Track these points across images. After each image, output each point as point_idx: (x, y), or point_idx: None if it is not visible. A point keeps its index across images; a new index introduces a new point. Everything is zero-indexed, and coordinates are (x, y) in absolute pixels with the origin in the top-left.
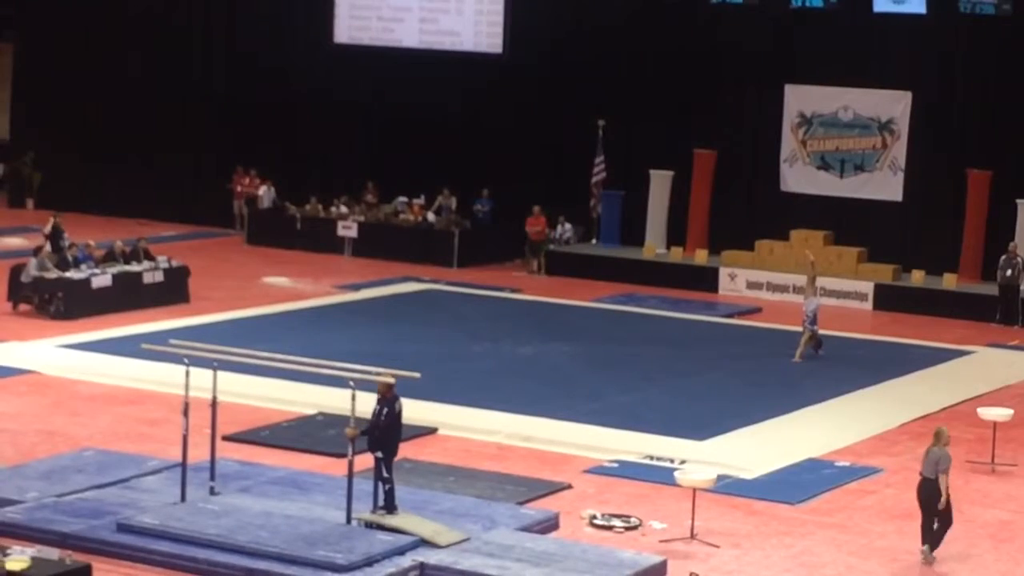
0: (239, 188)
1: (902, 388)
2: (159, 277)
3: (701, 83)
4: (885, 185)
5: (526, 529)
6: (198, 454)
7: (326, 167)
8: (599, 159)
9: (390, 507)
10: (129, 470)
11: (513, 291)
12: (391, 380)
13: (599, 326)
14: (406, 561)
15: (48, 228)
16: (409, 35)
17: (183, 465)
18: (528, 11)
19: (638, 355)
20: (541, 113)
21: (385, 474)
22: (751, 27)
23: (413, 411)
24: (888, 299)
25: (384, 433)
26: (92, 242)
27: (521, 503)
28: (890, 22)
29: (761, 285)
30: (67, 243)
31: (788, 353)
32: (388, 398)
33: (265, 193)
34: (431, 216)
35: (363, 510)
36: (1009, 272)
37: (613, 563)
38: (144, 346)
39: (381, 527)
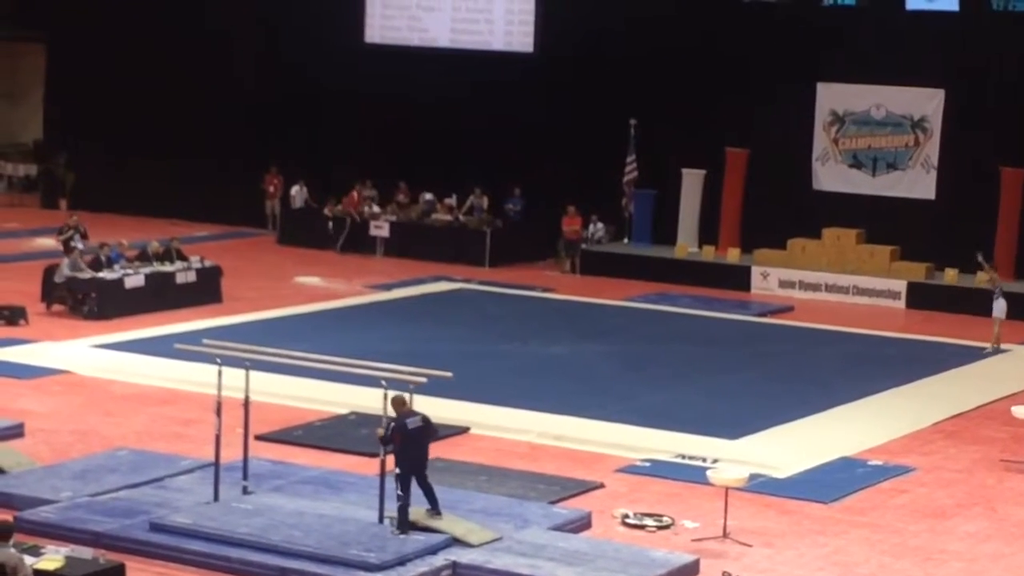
0: (272, 188)
1: (935, 386)
2: (192, 277)
3: (733, 82)
4: (918, 183)
5: (558, 528)
6: (231, 454)
7: (358, 167)
8: (631, 158)
9: (402, 525)
10: (162, 469)
11: (545, 290)
12: (402, 397)
13: (631, 325)
14: (438, 560)
15: (69, 234)
16: (440, 34)
17: (216, 464)
18: (559, 10)
19: (670, 354)
20: (572, 112)
21: (399, 491)
22: (783, 25)
23: (445, 410)
24: (921, 297)
25: (399, 448)
26: (125, 241)
27: (553, 502)
28: (923, 20)
29: (793, 284)
30: (79, 244)
31: (820, 352)
32: (400, 414)
33: (297, 193)
34: (462, 216)
35: (396, 509)
36: None
37: (645, 562)
38: (177, 346)
39: (414, 526)
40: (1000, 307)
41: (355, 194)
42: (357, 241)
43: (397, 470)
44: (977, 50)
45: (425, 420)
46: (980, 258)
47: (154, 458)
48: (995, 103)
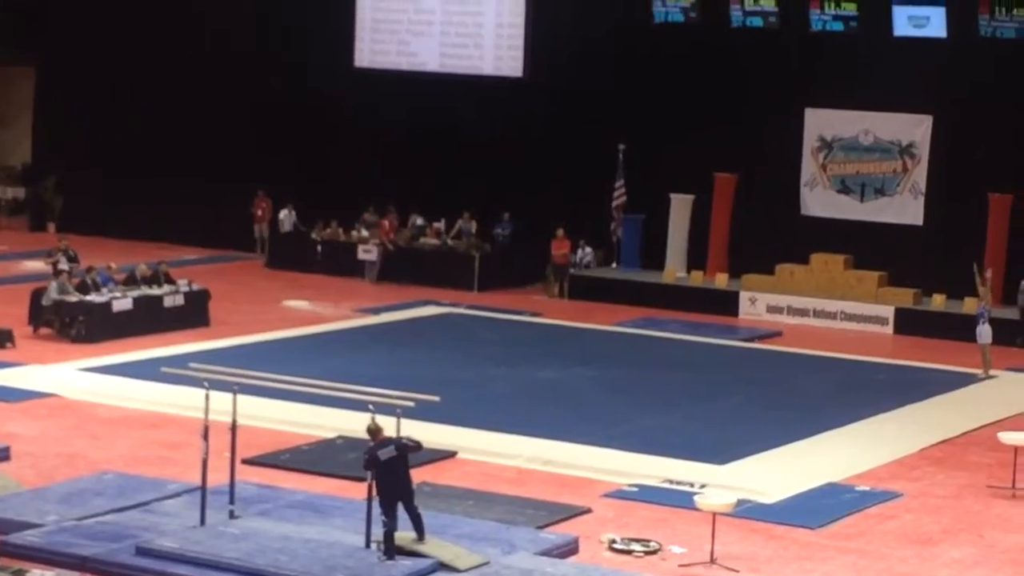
0: (260, 212)
1: (922, 412)
2: (180, 301)
3: (722, 107)
4: (906, 209)
5: (546, 553)
6: (218, 478)
7: (347, 191)
8: (619, 183)
9: (388, 550)
10: (149, 494)
11: (533, 315)
12: (375, 426)
13: (619, 350)
14: None
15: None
16: (430, 59)
17: (203, 489)
18: (549, 35)
19: (658, 379)
20: (561, 137)
21: (383, 517)
22: (771, 51)
23: (433, 435)
24: (909, 323)
25: (376, 478)
26: (113, 264)
27: (541, 527)
28: (910, 46)
29: (781, 309)
30: (65, 267)
31: (808, 378)
32: (375, 443)
33: (286, 217)
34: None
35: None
36: None
37: None
38: (164, 370)
39: (401, 551)
40: (985, 332)
41: (386, 223)
42: (345, 265)
43: (378, 498)
44: (965, 76)
45: (400, 448)
46: (976, 269)
47: (140, 482)
48: (983, 129)
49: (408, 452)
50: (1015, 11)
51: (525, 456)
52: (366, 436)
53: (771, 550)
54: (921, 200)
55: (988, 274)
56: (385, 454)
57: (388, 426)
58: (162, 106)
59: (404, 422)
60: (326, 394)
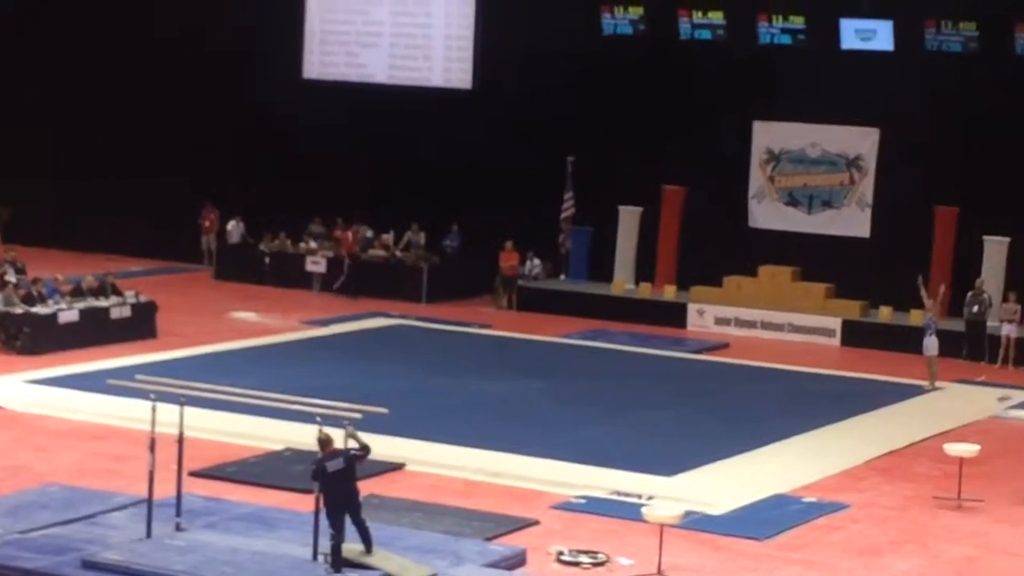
0: (207, 223)
1: (869, 424)
2: (126, 312)
3: (670, 120)
4: (853, 221)
5: (493, 565)
6: (164, 490)
7: (295, 202)
8: (568, 195)
9: (335, 563)
10: (94, 506)
11: (482, 326)
12: (326, 437)
13: (567, 362)
14: None
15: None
16: (378, 71)
17: (149, 501)
18: (497, 47)
19: (606, 391)
20: (510, 149)
21: (331, 529)
22: (720, 63)
23: (380, 446)
24: (856, 335)
25: (323, 489)
26: (60, 276)
27: (488, 539)
28: (858, 59)
29: (729, 321)
30: (12, 279)
31: (755, 389)
32: (324, 455)
33: (234, 228)
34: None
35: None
36: (976, 308)
37: None
38: (110, 382)
39: (348, 563)
40: (932, 344)
41: (349, 235)
42: (293, 277)
43: (325, 510)
44: (912, 89)
45: (348, 460)
46: (920, 282)
47: (86, 494)
48: (929, 142)
49: (356, 462)
50: (961, 25)
51: (473, 468)
52: (314, 448)
53: (717, 561)
54: (868, 212)
55: (941, 289)
56: (333, 466)
57: (337, 438)
58: (109, 118)
59: None
60: (273, 406)
